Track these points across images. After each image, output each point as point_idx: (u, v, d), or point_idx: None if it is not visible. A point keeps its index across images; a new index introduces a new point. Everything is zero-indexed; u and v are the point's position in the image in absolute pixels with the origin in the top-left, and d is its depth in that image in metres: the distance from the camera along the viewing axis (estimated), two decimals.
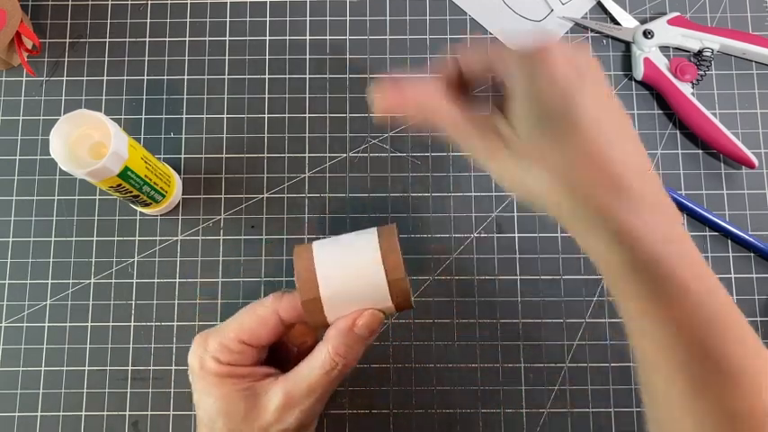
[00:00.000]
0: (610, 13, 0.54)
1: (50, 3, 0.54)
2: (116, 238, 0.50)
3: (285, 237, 0.50)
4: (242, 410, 0.33)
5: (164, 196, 0.48)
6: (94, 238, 0.50)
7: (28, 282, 0.50)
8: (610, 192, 0.27)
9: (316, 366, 0.33)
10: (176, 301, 0.49)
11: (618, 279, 0.28)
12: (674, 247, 0.27)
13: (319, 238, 0.35)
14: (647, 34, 0.52)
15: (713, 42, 0.52)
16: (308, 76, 0.53)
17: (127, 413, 0.48)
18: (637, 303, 0.27)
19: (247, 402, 0.33)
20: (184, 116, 0.52)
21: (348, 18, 0.54)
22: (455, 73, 0.34)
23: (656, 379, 0.27)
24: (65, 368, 0.48)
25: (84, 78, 0.53)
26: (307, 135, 0.52)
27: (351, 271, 0.33)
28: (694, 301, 0.26)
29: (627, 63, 0.53)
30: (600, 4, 0.54)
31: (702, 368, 0.26)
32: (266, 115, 0.52)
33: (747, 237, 0.49)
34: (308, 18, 0.54)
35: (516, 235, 0.50)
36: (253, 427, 0.32)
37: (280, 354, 0.37)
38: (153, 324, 0.49)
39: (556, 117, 0.28)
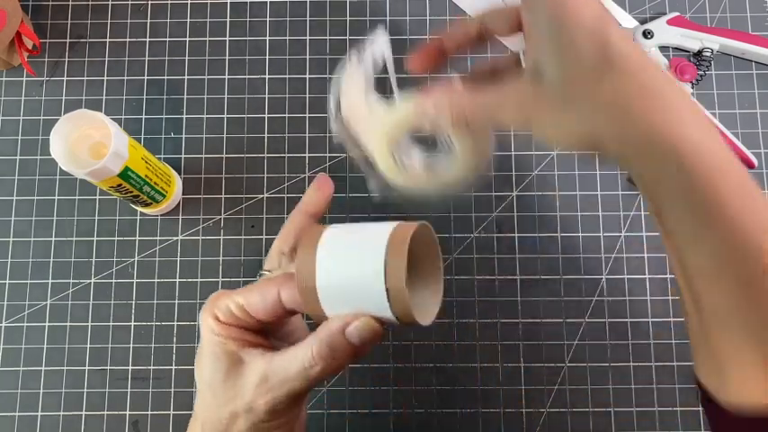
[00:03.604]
0: None
1: (51, 3, 0.54)
2: (116, 238, 0.50)
3: None
4: (223, 373, 0.32)
5: (164, 196, 0.48)
6: (94, 238, 0.50)
7: (28, 282, 0.50)
8: (662, 112, 0.29)
9: (296, 359, 0.31)
10: (176, 301, 0.49)
11: (670, 192, 0.29)
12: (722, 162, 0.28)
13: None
14: (647, 34, 0.52)
15: (713, 42, 0.52)
16: (308, 76, 0.53)
17: (127, 413, 0.48)
18: (690, 216, 0.29)
19: (230, 367, 0.32)
20: (184, 116, 0.52)
21: (348, 18, 0.54)
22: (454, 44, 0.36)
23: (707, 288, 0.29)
24: (65, 368, 0.48)
25: (85, 78, 0.53)
26: (307, 135, 0.52)
27: (352, 269, 0.30)
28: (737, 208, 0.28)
29: None
30: None
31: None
32: (266, 115, 0.52)
33: None
34: (308, 18, 0.54)
35: (516, 235, 0.50)
36: (226, 396, 0.32)
37: None
38: (153, 324, 0.49)
39: (593, 57, 0.29)
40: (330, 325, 0.31)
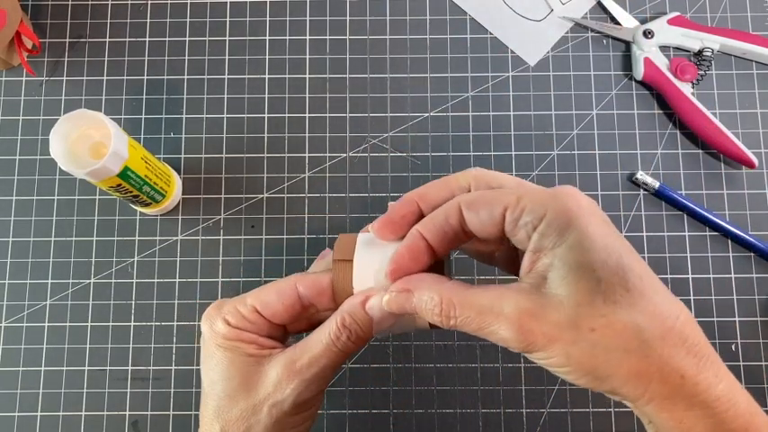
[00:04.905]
0: (610, 13, 0.54)
1: (50, 3, 0.54)
2: (116, 238, 0.50)
3: (285, 237, 0.50)
4: (242, 376, 0.32)
5: (164, 196, 0.48)
6: (94, 238, 0.50)
7: (28, 282, 0.50)
8: (686, 352, 0.26)
9: (321, 335, 0.31)
10: (176, 301, 0.49)
11: None
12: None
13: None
14: (648, 34, 0.52)
15: (713, 42, 0.52)
16: (307, 76, 0.53)
17: (127, 413, 0.48)
18: None
19: (249, 369, 0.32)
20: (184, 116, 0.52)
21: (348, 18, 0.54)
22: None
23: None
24: (65, 368, 0.48)
25: (84, 78, 0.53)
26: (307, 135, 0.52)
27: (386, 256, 0.31)
28: None
29: (627, 63, 0.53)
30: (600, 4, 0.54)
31: None
32: (266, 115, 0.52)
33: (747, 237, 0.49)
34: (307, 18, 0.54)
35: None
36: (248, 396, 0.32)
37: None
38: (153, 324, 0.49)
39: (615, 280, 0.27)
40: (353, 298, 0.31)
